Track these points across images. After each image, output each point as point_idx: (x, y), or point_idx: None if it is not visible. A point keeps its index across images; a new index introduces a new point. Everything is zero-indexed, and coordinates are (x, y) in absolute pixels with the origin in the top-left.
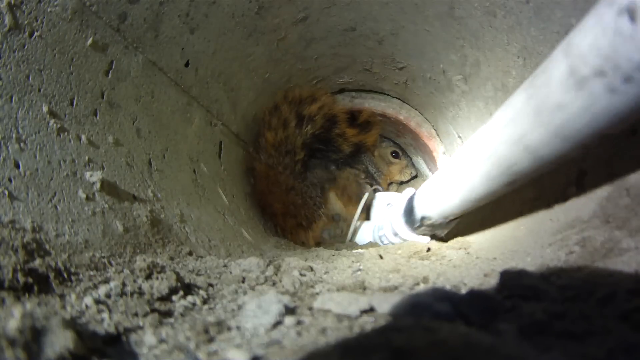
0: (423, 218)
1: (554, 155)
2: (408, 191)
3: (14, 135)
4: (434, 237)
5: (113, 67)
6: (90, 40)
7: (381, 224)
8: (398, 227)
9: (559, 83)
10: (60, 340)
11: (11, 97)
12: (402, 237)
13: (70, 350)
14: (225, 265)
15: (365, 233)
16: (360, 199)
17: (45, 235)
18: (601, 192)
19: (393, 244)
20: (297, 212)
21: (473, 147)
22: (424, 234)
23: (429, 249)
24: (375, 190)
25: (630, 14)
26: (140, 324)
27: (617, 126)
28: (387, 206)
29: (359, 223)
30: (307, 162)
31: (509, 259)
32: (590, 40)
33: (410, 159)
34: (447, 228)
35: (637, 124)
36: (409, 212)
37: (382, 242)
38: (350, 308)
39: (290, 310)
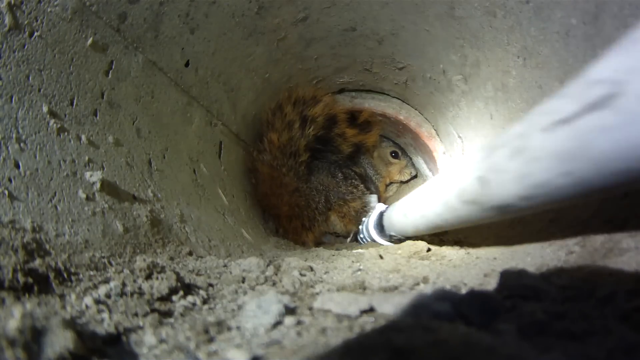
0: (392, 235)
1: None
2: (379, 207)
3: (14, 135)
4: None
5: (113, 67)
6: (90, 40)
7: (366, 223)
8: (373, 233)
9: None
10: (60, 340)
11: (11, 97)
12: (376, 240)
13: (70, 350)
14: (225, 265)
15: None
16: (359, 219)
17: (45, 235)
18: None
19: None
20: (301, 213)
21: (417, 199)
22: (391, 242)
23: (429, 249)
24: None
25: None
26: (140, 324)
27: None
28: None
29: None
30: (310, 164)
31: (509, 259)
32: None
33: (410, 159)
34: (411, 239)
35: None
36: (380, 226)
37: (366, 239)
38: (350, 308)
39: (290, 310)
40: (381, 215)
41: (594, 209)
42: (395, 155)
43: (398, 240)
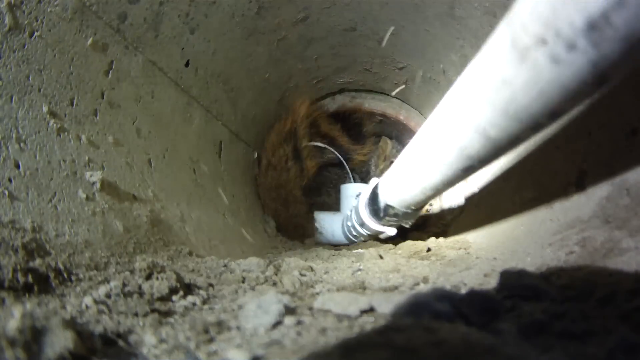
0: (387, 207)
1: (505, 136)
2: (373, 181)
3: (14, 135)
4: (400, 228)
5: (113, 67)
6: (90, 40)
7: (349, 214)
8: (364, 218)
9: (502, 57)
10: (60, 340)
11: (11, 97)
12: (369, 227)
13: (70, 350)
14: (225, 265)
15: (333, 225)
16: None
17: (45, 235)
18: (601, 192)
19: (361, 234)
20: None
21: (426, 131)
22: (389, 225)
23: (429, 249)
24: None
25: None
26: (141, 324)
27: (567, 102)
28: (356, 197)
29: (320, 215)
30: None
31: (509, 259)
32: (531, 4)
33: None
34: (411, 218)
35: (636, 123)
36: (373, 201)
37: (350, 233)
38: (350, 308)
39: (290, 310)
40: (375, 189)
41: (594, 209)
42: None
43: (397, 218)
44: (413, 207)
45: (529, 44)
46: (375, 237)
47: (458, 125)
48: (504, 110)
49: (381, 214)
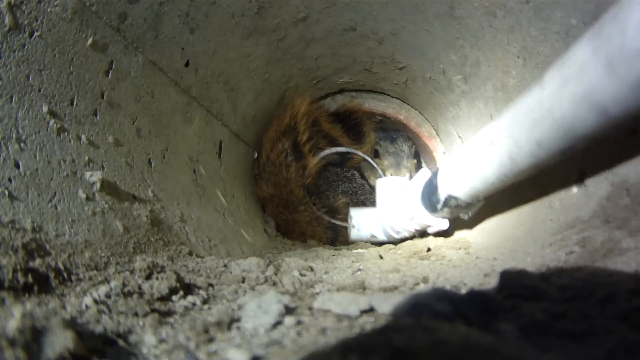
0: (449, 198)
1: (626, 113)
2: (423, 172)
3: (14, 135)
4: (455, 220)
5: (113, 67)
6: (90, 40)
7: (392, 209)
8: (415, 211)
9: (637, 28)
10: (60, 340)
11: (11, 97)
12: (419, 221)
13: (70, 350)
14: (225, 266)
15: (371, 221)
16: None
17: (45, 235)
18: (601, 192)
19: (407, 230)
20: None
21: (519, 112)
22: (445, 217)
23: (429, 249)
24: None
25: None
26: (140, 324)
27: None
28: (397, 191)
29: (356, 212)
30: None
31: (509, 259)
32: None
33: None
34: (473, 209)
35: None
36: (431, 193)
37: (392, 229)
38: (350, 308)
39: (290, 310)
40: (433, 180)
41: (594, 209)
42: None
43: (458, 209)
44: (481, 197)
45: None
46: (422, 233)
47: (569, 103)
48: (634, 84)
49: (439, 206)
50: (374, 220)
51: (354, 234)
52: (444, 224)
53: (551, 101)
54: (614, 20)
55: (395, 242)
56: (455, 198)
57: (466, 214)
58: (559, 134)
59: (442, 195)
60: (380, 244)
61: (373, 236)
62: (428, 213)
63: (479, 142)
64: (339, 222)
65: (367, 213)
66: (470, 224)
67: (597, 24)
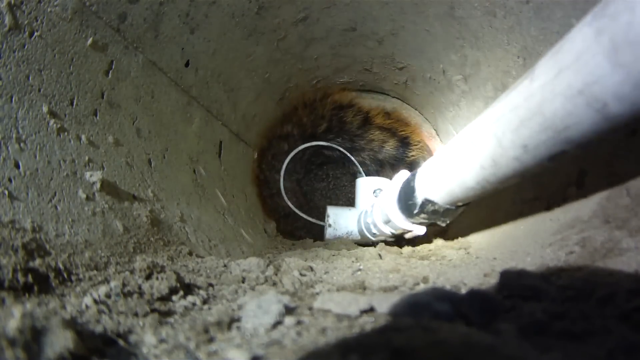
0: (425, 203)
1: (629, 114)
2: (402, 174)
3: (14, 135)
4: (432, 226)
5: (113, 67)
6: (90, 40)
7: (369, 210)
8: (391, 214)
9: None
10: (60, 340)
11: (11, 97)
12: (395, 225)
13: (70, 350)
14: (225, 266)
15: (348, 221)
16: None
17: (45, 235)
18: (601, 192)
19: (383, 233)
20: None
21: (505, 107)
22: (421, 223)
23: (429, 249)
24: (359, 176)
25: None
26: (140, 324)
27: None
28: (374, 192)
29: (333, 210)
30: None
31: (509, 259)
32: None
33: None
34: (451, 217)
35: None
36: (407, 196)
37: (368, 230)
38: (350, 308)
39: (290, 310)
40: (409, 182)
41: (594, 209)
42: None
43: (434, 215)
44: (460, 203)
45: None
46: (399, 237)
47: (562, 99)
48: (637, 82)
49: (415, 210)
50: (351, 219)
51: (329, 233)
52: (421, 230)
53: (542, 95)
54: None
55: (372, 244)
56: (432, 203)
57: (443, 222)
58: (548, 136)
59: (419, 198)
60: (363, 244)
61: (348, 234)
62: (404, 218)
63: (460, 140)
64: (314, 220)
65: (344, 212)
66: (470, 224)
67: (601, 1)
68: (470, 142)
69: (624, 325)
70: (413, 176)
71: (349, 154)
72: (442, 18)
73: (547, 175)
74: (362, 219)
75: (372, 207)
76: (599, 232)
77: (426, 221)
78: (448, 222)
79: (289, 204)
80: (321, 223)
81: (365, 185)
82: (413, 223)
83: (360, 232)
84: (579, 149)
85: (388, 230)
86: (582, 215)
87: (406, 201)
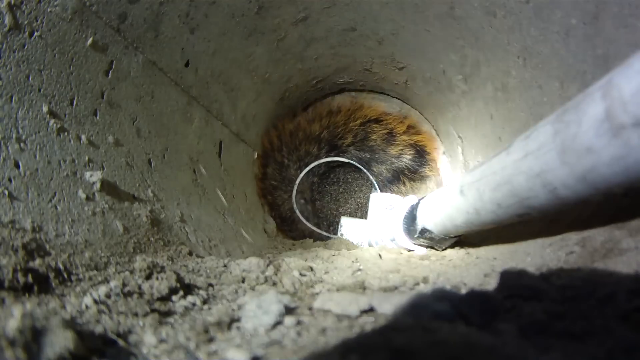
0: (424, 230)
1: (574, 197)
2: (411, 198)
3: (14, 135)
4: (431, 249)
5: (113, 67)
6: (90, 40)
7: (378, 225)
8: (396, 233)
9: (591, 125)
10: (60, 340)
11: (11, 97)
12: (398, 243)
13: (70, 350)
14: (225, 266)
15: (357, 231)
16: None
17: (45, 235)
18: None
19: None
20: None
21: (487, 170)
22: (421, 245)
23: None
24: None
25: None
26: (140, 324)
27: None
28: (386, 209)
29: (347, 221)
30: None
31: (509, 259)
32: (635, 86)
33: None
34: (446, 244)
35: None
36: (410, 220)
37: (375, 244)
38: (350, 308)
39: (290, 310)
40: (414, 209)
41: (594, 209)
42: None
43: (432, 241)
44: (452, 235)
45: (625, 123)
46: None
47: (525, 176)
48: (581, 177)
49: (416, 235)
50: (362, 232)
51: None
52: (422, 251)
53: (512, 169)
54: (576, 109)
55: None
56: (430, 232)
57: (439, 248)
58: (515, 201)
59: (419, 226)
60: None
61: (358, 245)
62: (407, 238)
63: (454, 187)
64: (325, 233)
65: (356, 224)
66: None
67: (568, 103)
68: (459, 192)
69: (624, 325)
70: (417, 205)
71: (365, 170)
72: (442, 18)
73: None
74: (371, 233)
75: (381, 223)
76: (599, 232)
77: (425, 244)
78: (444, 248)
79: (300, 216)
80: (332, 236)
81: (377, 200)
82: (415, 244)
83: (368, 245)
84: (540, 213)
85: (392, 247)
86: (582, 215)
87: (409, 226)
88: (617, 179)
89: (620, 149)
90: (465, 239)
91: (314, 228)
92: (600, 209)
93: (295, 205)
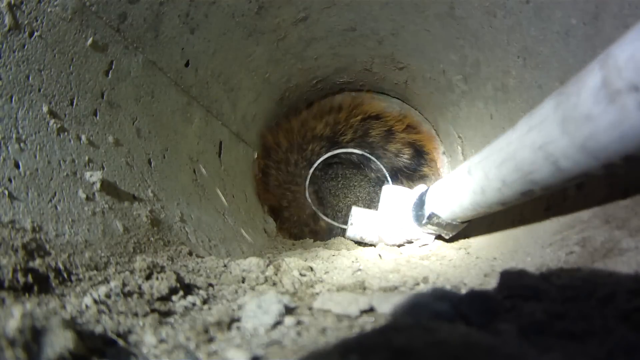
0: (432, 215)
1: (576, 168)
2: (420, 187)
3: (14, 135)
4: (438, 237)
5: (113, 67)
6: (90, 40)
7: (388, 218)
8: (405, 221)
9: (590, 93)
10: (60, 340)
11: (11, 97)
12: (407, 232)
13: (70, 350)
14: (225, 266)
15: (369, 223)
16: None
17: (45, 235)
18: (601, 192)
19: (397, 241)
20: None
21: (494, 147)
22: (429, 232)
23: (429, 249)
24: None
25: None
26: (140, 324)
27: None
28: (396, 199)
29: (357, 210)
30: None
31: (509, 259)
32: (629, 53)
33: None
34: (453, 230)
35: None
36: (419, 206)
37: (386, 237)
38: (350, 308)
39: (290, 310)
40: (423, 195)
41: (594, 209)
42: None
43: (439, 227)
44: (459, 220)
45: (620, 88)
46: (409, 243)
47: (529, 150)
48: (582, 145)
49: (424, 221)
50: (372, 223)
51: (350, 230)
52: (429, 239)
53: (516, 144)
54: (577, 81)
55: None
56: (437, 216)
57: (447, 234)
58: (519, 176)
59: (427, 211)
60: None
61: (362, 238)
62: (416, 225)
63: (461, 169)
64: (342, 226)
65: (366, 214)
66: (471, 223)
67: (571, 78)
68: (467, 172)
69: (624, 325)
70: (426, 191)
71: (375, 159)
72: (442, 18)
73: None
74: (381, 226)
75: (392, 216)
76: (599, 232)
77: (432, 230)
78: (451, 235)
79: (314, 208)
80: (343, 226)
81: (389, 192)
82: (422, 232)
83: (378, 237)
84: (543, 189)
85: (401, 238)
86: (582, 215)
87: (417, 211)
88: (615, 146)
89: (616, 114)
90: (466, 237)
91: (333, 222)
92: (600, 209)
93: (311, 203)
